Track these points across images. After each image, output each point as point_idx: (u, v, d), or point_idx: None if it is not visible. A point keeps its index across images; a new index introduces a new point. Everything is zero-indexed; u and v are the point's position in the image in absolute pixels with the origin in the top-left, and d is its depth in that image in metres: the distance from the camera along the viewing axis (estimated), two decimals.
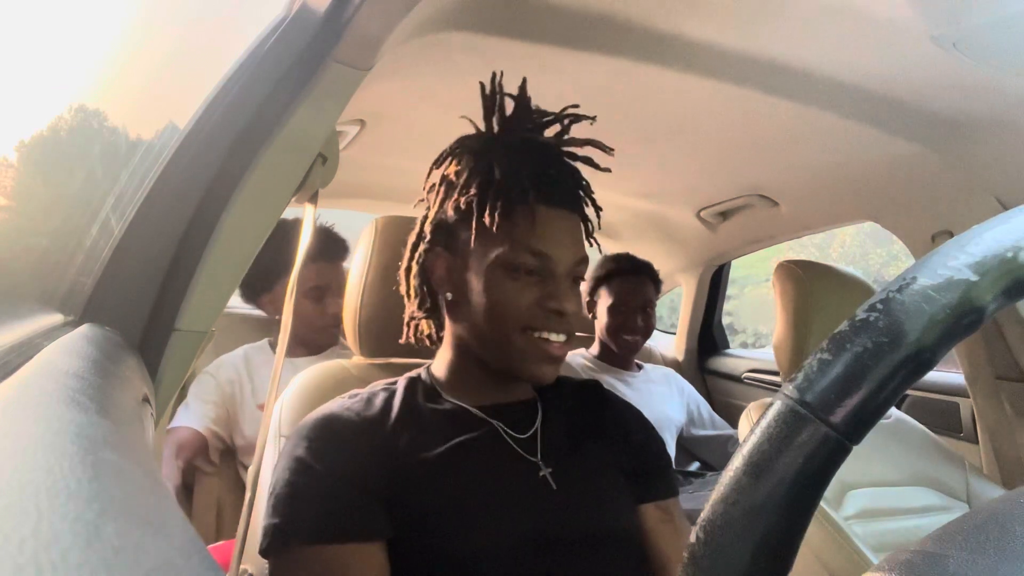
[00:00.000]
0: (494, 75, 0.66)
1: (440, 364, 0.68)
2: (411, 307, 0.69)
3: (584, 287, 1.71)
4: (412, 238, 0.68)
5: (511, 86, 0.66)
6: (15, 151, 0.60)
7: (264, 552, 0.55)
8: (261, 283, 1.30)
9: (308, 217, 0.75)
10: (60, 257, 0.61)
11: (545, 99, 0.67)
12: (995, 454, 1.24)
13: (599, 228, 0.67)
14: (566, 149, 0.65)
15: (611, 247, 2.15)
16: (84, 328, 0.46)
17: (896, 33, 0.78)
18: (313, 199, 0.73)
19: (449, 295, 0.64)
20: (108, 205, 0.63)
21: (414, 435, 0.60)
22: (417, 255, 0.66)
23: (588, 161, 0.66)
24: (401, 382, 0.67)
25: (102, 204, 0.63)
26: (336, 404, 0.63)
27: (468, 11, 0.77)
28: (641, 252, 1.80)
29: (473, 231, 0.61)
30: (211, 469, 1.20)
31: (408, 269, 0.68)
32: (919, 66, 0.85)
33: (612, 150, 0.66)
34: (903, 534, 0.98)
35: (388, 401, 0.63)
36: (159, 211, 0.58)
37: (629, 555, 0.63)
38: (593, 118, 0.66)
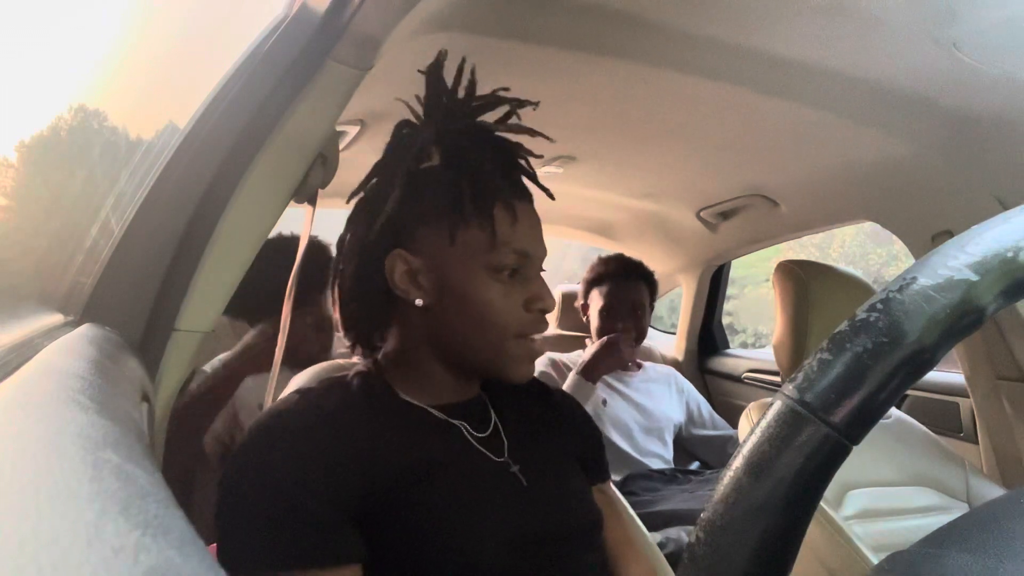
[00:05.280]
0: (463, 61, 0.60)
1: (392, 363, 0.62)
2: (349, 315, 0.61)
3: (579, 289, 1.71)
4: (353, 236, 0.60)
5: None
6: (15, 151, 0.60)
7: None
8: (271, 304, 1.20)
9: (308, 217, 0.75)
10: (60, 257, 0.61)
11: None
12: (995, 454, 1.24)
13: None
14: (505, 135, 0.61)
15: (611, 247, 2.16)
16: (84, 328, 0.46)
17: (896, 33, 0.78)
18: (312, 199, 0.73)
19: (419, 301, 0.57)
20: (108, 205, 0.63)
21: (382, 443, 0.54)
22: (366, 257, 0.59)
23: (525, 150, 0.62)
24: (354, 381, 0.60)
25: (102, 204, 0.64)
26: (288, 404, 0.54)
27: (468, 11, 0.77)
28: (641, 252, 1.80)
29: (448, 231, 0.56)
30: (209, 471, 1.20)
31: (355, 273, 0.60)
32: (919, 66, 0.85)
33: (549, 138, 0.62)
34: (903, 534, 0.98)
35: (345, 402, 0.56)
36: (159, 211, 0.58)
37: (599, 546, 0.62)
38: (536, 104, 0.61)
